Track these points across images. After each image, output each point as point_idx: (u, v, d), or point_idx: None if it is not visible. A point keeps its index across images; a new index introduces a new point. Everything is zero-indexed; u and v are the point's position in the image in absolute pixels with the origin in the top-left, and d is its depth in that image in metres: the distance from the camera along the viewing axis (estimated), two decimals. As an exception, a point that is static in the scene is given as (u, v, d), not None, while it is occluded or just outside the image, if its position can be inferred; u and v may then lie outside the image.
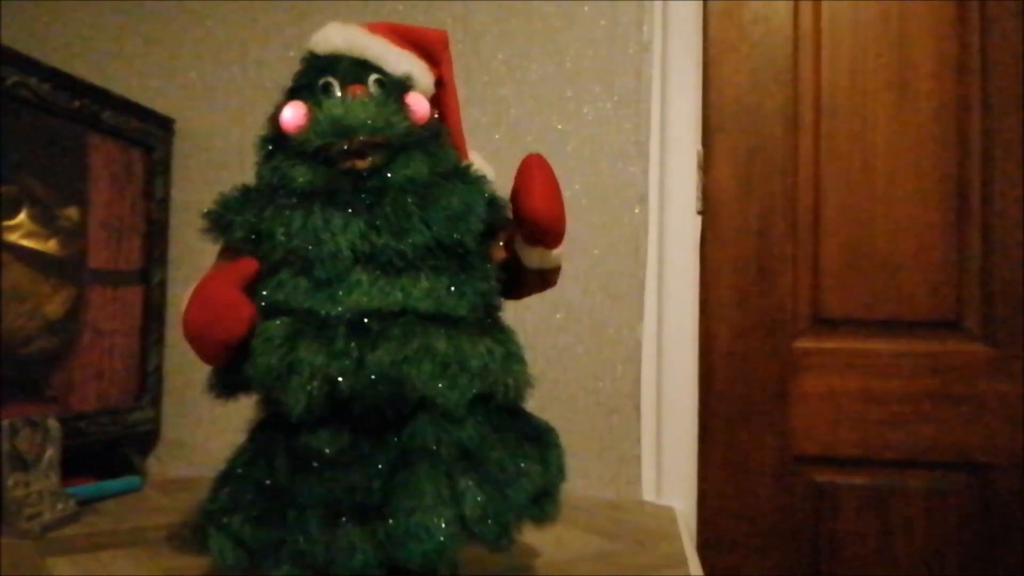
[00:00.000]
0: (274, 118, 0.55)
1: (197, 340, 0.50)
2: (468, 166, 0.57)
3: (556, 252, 0.58)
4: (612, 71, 1.04)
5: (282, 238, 0.51)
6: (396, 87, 0.55)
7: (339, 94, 0.54)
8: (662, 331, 1.03)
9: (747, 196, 1.07)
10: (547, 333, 1.02)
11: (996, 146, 1.03)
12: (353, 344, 0.48)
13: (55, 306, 0.89)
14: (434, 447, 0.50)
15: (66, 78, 0.89)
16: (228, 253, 0.54)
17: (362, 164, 0.52)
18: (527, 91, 1.05)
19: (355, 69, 0.55)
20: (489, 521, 0.48)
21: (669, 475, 1.02)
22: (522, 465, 0.52)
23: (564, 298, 1.01)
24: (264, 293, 0.51)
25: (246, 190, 0.55)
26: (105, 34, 1.15)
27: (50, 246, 0.88)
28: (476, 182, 0.55)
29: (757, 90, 1.08)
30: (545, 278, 0.60)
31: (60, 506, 0.81)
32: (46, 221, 0.87)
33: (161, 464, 1.09)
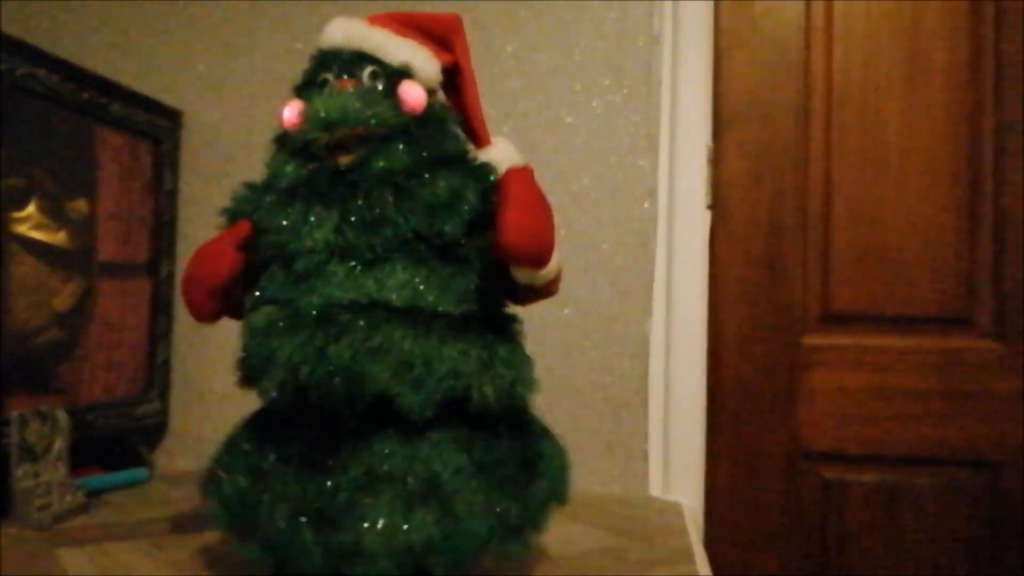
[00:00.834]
0: (280, 117, 0.56)
1: (185, 285, 0.55)
2: (466, 153, 0.56)
3: (545, 271, 0.53)
4: (622, 64, 1.03)
5: (269, 234, 0.53)
6: (391, 77, 0.54)
7: None
8: (670, 326, 1.02)
9: (757, 191, 1.07)
10: (554, 328, 1.01)
11: (1008, 142, 1.02)
12: (318, 335, 0.48)
13: (64, 298, 0.89)
14: (400, 473, 0.49)
15: (74, 70, 0.89)
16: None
17: (345, 159, 0.52)
18: (536, 84, 1.05)
19: (351, 62, 0.55)
20: (441, 555, 0.47)
21: (677, 471, 1.01)
22: (493, 502, 0.50)
23: (572, 293, 1.01)
24: (260, 286, 0.53)
25: (252, 187, 0.56)
26: (114, 26, 1.15)
27: (59, 238, 0.88)
28: (475, 170, 0.54)
29: (768, 84, 1.07)
30: (538, 292, 0.57)
31: (69, 497, 0.81)
32: (55, 213, 0.87)
33: (169, 456, 1.09)
